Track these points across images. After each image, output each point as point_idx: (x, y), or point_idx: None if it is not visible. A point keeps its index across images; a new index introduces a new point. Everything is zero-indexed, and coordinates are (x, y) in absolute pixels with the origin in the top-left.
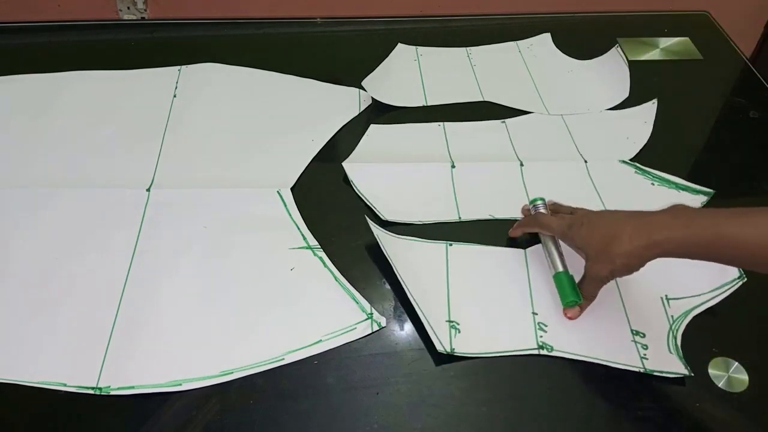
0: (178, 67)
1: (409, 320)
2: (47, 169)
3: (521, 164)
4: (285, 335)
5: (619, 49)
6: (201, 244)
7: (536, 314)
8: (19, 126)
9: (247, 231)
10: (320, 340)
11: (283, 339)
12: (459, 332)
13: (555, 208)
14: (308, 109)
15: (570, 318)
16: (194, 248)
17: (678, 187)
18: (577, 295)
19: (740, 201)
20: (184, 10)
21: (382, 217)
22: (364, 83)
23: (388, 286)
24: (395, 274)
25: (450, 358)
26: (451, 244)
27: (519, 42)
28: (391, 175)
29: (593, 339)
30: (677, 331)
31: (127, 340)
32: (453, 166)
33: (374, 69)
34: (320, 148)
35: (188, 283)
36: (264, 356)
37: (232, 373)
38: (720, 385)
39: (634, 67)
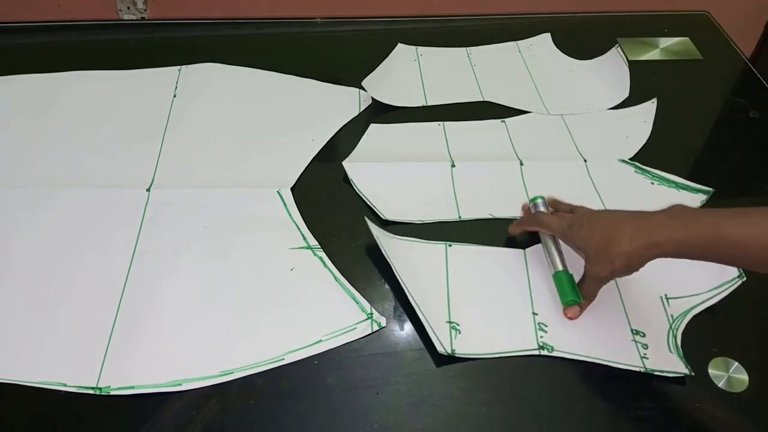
0: (178, 67)
1: (409, 320)
2: (47, 169)
3: (521, 164)
4: (285, 335)
5: (619, 49)
6: (201, 244)
7: (536, 314)
8: (19, 126)
9: (247, 231)
10: (320, 340)
11: (283, 339)
12: (459, 333)
13: (554, 205)
14: (308, 109)
15: (570, 318)
16: (194, 248)
17: (678, 186)
18: (576, 294)
19: (740, 201)
20: (184, 10)
21: (382, 216)
22: (364, 83)
23: (388, 286)
24: (395, 275)
25: (450, 358)
26: (450, 245)
27: (519, 42)
28: (391, 174)
29: (593, 339)
30: (677, 330)
31: (127, 340)
32: (453, 166)
33: (374, 69)
34: (320, 148)
35: (188, 283)
36: (264, 356)
37: (232, 373)
38: (720, 385)
39: (634, 67)
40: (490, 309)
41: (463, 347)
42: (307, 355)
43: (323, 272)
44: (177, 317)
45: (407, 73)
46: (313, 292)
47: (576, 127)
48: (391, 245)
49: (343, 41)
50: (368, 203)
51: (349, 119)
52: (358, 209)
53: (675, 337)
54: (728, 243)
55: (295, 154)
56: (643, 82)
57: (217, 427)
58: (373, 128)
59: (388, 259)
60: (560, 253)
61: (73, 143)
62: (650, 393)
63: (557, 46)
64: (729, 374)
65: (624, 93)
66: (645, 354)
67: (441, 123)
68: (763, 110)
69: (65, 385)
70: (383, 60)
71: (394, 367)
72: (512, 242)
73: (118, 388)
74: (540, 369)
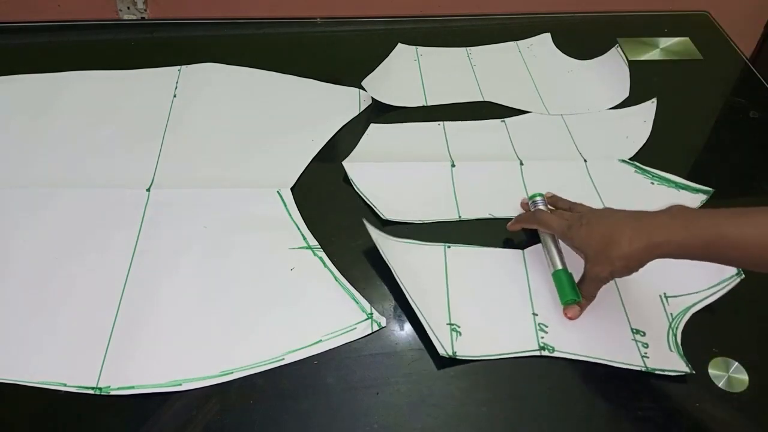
0: (178, 67)
1: (408, 320)
2: (47, 169)
3: (521, 163)
4: (285, 335)
5: (619, 49)
6: (201, 244)
7: (536, 315)
8: (19, 126)
9: (247, 231)
10: (320, 340)
11: (283, 339)
12: (460, 335)
13: (554, 202)
14: (308, 109)
15: (570, 318)
16: (194, 248)
17: (677, 186)
18: (576, 293)
19: (740, 201)
20: (184, 10)
21: (382, 216)
22: (364, 83)
23: (388, 286)
24: (395, 277)
25: (450, 359)
26: (449, 246)
27: (519, 42)
28: (391, 174)
29: (594, 339)
30: (677, 328)
31: (127, 340)
32: (453, 166)
33: (374, 69)
34: (320, 148)
35: (188, 283)
36: (264, 356)
37: (232, 373)
38: (720, 385)
39: (634, 67)
40: (490, 310)
41: (464, 349)
42: (307, 355)
43: (323, 272)
44: (177, 317)
45: (407, 73)
46: (313, 292)
47: (576, 127)
48: (389, 248)
49: (343, 41)
50: (368, 203)
51: (349, 119)
52: (358, 209)
53: (675, 335)
54: (728, 243)
55: (295, 154)
56: (643, 82)
57: (217, 427)
58: (373, 128)
59: (387, 262)
60: (560, 252)
61: (73, 143)
62: (650, 393)
63: (557, 46)
64: (729, 374)
65: (624, 93)
66: (645, 353)
67: (441, 123)
68: (763, 110)
69: (65, 385)
70: (383, 60)
71: (394, 367)
72: (511, 242)
73: (118, 388)
74: (540, 369)
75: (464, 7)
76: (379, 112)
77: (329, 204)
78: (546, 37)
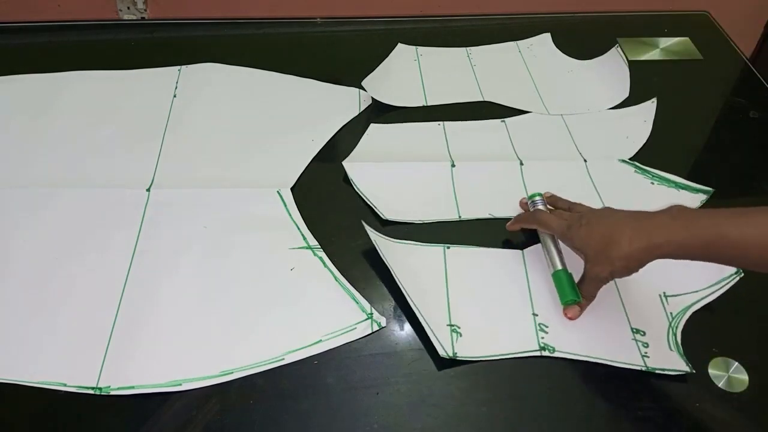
0: (178, 67)
1: (408, 320)
2: (47, 169)
3: (521, 163)
4: (285, 335)
5: (619, 49)
6: (201, 244)
7: (536, 315)
8: (19, 126)
9: (247, 231)
10: (320, 340)
11: (283, 339)
12: (460, 336)
13: (553, 202)
14: (308, 109)
15: (570, 318)
16: (194, 248)
17: (677, 186)
18: (576, 293)
19: (740, 201)
20: (184, 10)
21: (382, 216)
22: (364, 83)
23: (388, 287)
24: (394, 278)
25: (450, 359)
26: (448, 247)
27: (519, 42)
28: (391, 174)
29: (594, 339)
30: (677, 328)
31: (127, 340)
32: (453, 166)
33: (374, 69)
34: (320, 148)
35: (188, 283)
36: (264, 356)
37: (232, 373)
38: (720, 385)
39: (634, 67)
40: (490, 311)
41: (465, 350)
42: (307, 355)
43: (323, 272)
44: (177, 317)
45: (407, 73)
46: (313, 292)
47: (576, 127)
48: (389, 250)
49: (343, 41)
50: (368, 203)
51: (349, 119)
52: (358, 209)
53: (675, 335)
54: (728, 243)
55: (295, 154)
56: (643, 82)
57: (217, 427)
58: (373, 128)
59: (386, 263)
60: (559, 252)
61: (73, 143)
62: (650, 393)
63: (557, 46)
64: (729, 374)
65: (624, 93)
66: (646, 353)
67: (441, 123)
68: (763, 110)
69: (65, 385)
70: (383, 60)
71: (394, 367)
72: (511, 243)
73: (118, 388)
74: (540, 369)
75: (464, 7)
76: (379, 112)
77: (329, 204)
78: (546, 37)
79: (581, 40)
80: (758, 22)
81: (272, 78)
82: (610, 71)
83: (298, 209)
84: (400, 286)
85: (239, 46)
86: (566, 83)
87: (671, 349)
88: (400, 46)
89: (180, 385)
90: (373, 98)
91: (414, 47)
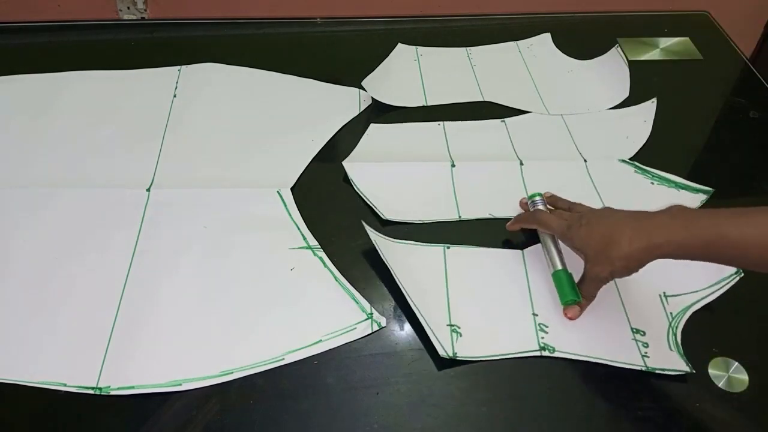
0: (178, 67)
1: (408, 320)
2: (47, 169)
3: (521, 163)
4: (285, 335)
5: (619, 49)
6: (201, 244)
7: (536, 315)
8: (19, 126)
9: (247, 231)
10: (320, 340)
11: (283, 339)
12: (461, 336)
13: (553, 201)
14: (308, 109)
15: (570, 318)
16: (194, 248)
17: (677, 186)
18: (576, 293)
19: (740, 201)
20: (184, 10)
21: (382, 216)
22: (364, 83)
23: (388, 287)
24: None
25: (450, 359)
26: (448, 247)
27: (519, 42)
28: (391, 174)
29: (594, 339)
30: (677, 328)
31: (127, 340)
32: (453, 166)
33: (374, 69)
34: (320, 148)
35: (188, 283)
36: (264, 356)
37: (232, 373)
38: (720, 385)
39: (634, 67)
40: (490, 311)
41: (465, 350)
42: (307, 355)
43: (323, 272)
44: (177, 317)
45: (407, 73)
46: (313, 292)
47: (576, 127)
48: (389, 250)
49: (343, 41)
50: (368, 203)
51: (349, 119)
52: (358, 209)
53: (675, 334)
54: (728, 243)
55: (295, 154)
56: (643, 82)
57: (217, 427)
58: (373, 128)
59: (386, 263)
60: (559, 252)
61: (73, 143)
62: (650, 393)
63: (557, 46)
64: (729, 374)
65: (624, 93)
66: (646, 353)
67: (441, 123)
68: (763, 110)
69: (65, 385)
70: (383, 60)
71: (394, 367)
72: (511, 243)
73: (118, 388)
74: (540, 369)
75: (464, 7)
76: (379, 112)
77: (329, 204)
78: (546, 37)
79: (581, 40)
80: (758, 22)
81: (272, 78)
82: (610, 71)
83: (298, 209)
84: (400, 286)
85: (239, 46)
86: (566, 83)
87: (671, 349)
88: (400, 46)
89: (180, 385)
90: (373, 98)
91: (414, 47)
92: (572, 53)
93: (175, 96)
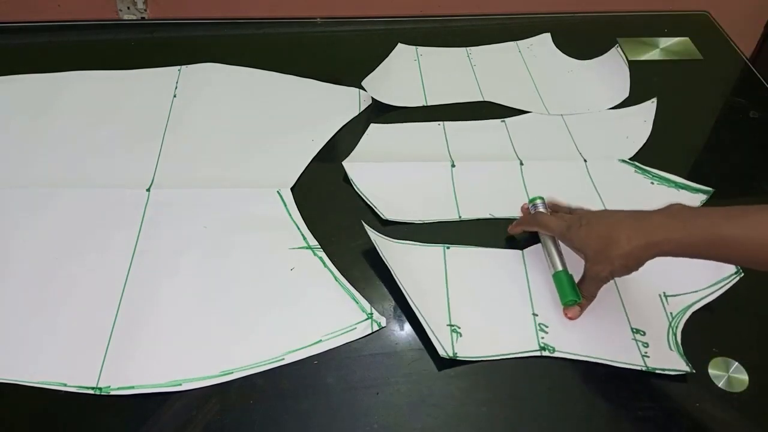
0: (178, 67)
1: (408, 320)
2: (47, 169)
3: (521, 163)
4: (285, 335)
5: (619, 49)
6: (201, 244)
7: (536, 315)
8: (19, 126)
9: (247, 231)
10: (320, 340)
11: (283, 339)
12: (461, 336)
13: (554, 207)
14: (308, 109)
15: (570, 318)
16: (194, 248)
17: (677, 185)
18: (576, 294)
19: (740, 201)
20: (184, 10)
21: (382, 216)
22: (364, 83)
23: (388, 287)
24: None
25: (450, 359)
26: (448, 247)
27: (519, 42)
28: (391, 174)
29: (594, 339)
30: (677, 328)
31: (127, 340)
32: (453, 166)
33: (374, 69)
34: (320, 148)
35: (188, 283)
36: (264, 356)
37: (232, 373)
38: (720, 385)
39: (634, 67)
40: (490, 311)
41: (465, 350)
42: (307, 355)
43: (323, 272)
44: (177, 317)
45: (407, 73)
46: (313, 292)
47: (576, 127)
48: (389, 250)
49: (343, 41)
50: (368, 203)
51: (349, 119)
52: (358, 209)
53: (675, 334)
54: (727, 242)
55: (295, 154)
56: (643, 82)
57: (217, 427)
58: (373, 128)
59: (386, 263)
60: (560, 254)
61: (73, 143)
62: (650, 393)
63: (557, 46)
64: (729, 374)
65: (624, 93)
66: (646, 353)
67: (441, 123)
68: (763, 110)
69: (65, 385)
70: (383, 60)
71: (394, 367)
72: (511, 243)
73: (118, 388)
74: (540, 369)
75: (464, 7)
76: (379, 112)
77: (329, 204)
78: (546, 37)
79: (581, 40)
80: (758, 22)
81: (272, 78)
82: (610, 71)
83: (298, 209)
84: (400, 286)
85: (239, 46)
86: (566, 83)
87: (671, 349)
88: (400, 46)
89: (180, 385)
90: (373, 98)
91: (414, 47)
92: (572, 53)
93: (175, 96)
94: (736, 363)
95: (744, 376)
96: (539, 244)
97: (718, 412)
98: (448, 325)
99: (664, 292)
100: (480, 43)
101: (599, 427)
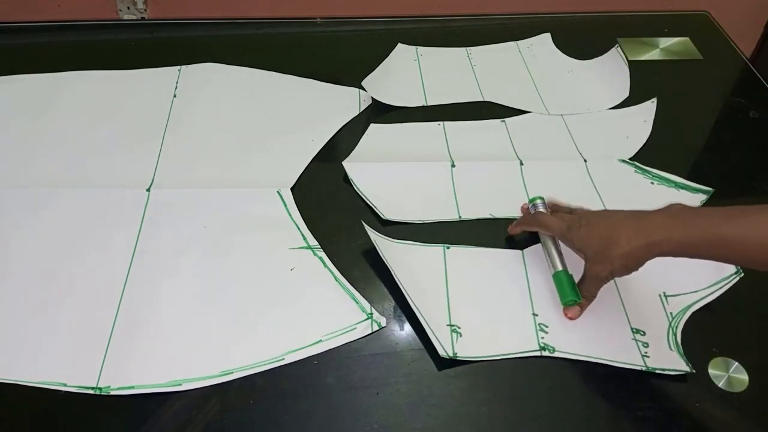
0: (178, 67)
1: (408, 320)
2: (47, 169)
3: (521, 163)
4: (285, 335)
5: (619, 49)
6: (201, 244)
7: (536, 315)
8: (19, 126)
9: (247, 231)
10: (320, 340)
11: (283, 339)
12: (461, 336)
13: (554, 207)
14: (308, 109)
15: (570, 318)
16: (194, 248)
17: (677, 185)
18: (576, 294)
19: (740, 201)
20: (184, 10)
21: (382, 216)
22: (364, 83)
23: (388, 287)
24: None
25: (450, 358)
26: (448, 247)
27: (519, 42)
28: (391, 174)
29: (594, 339)
30: (677, 328)
31: (127, 340)
32: (453, 166)
33: (374, 69)
34: (320, 148)
35: (188, 283)
36: (264, 356)
37: (232, 373)
38: (720, 385)
39: (634, 67)
40: (490, 311)
41: (465, 350)
42: (307, 355)
43: (323, 272)
44: (177, 317)
45: (407, 73)
46: (313, 292)
47: (576, 127)
48: (389, 250)
49: (343, 41)
50: (368, 203)
51: (349, 119)
52: (358, 209)
53: (675, 334)
54: (727, 242)
55: (295, 154)
56: (643, 82)
57: (217, 427)
58: (373, 128)
59: (386, 263)
60: (560, 254)
61: (73, 143)
62: (650, 393)
63: (557, 46)
64: (729, 374)
65: (624, 93)
66: (646, 353)
67: (441, 123)
68: (763, 110)
69: (65, 385)
70: (383, 60)
71: (394, 367)
72: (511, 243)
73: (118, 388)
74: (540, 369)
75: (464, 7)
76: (379, 112)
77: (329, 204)
78: (546, 37)
79: (581, 40)
80: (758, 22)
81: (272, 78)
82: (610, 71)
83: (298, 209)
84: (400, 286)
85: (239, 46)
86: (566, 83)
87: (671, 349)
88: (400, 46)
89: (180, 385)
90: (373, 98)
91: (414, 47)
92: (572, 53)
93: (175, 96)
94: (736, 363)
95: (744, 376)
96: (539, 244)
97: (718, 412)
98: (448, 325)
99: (664, 292)
100: (480, 43)
101: (599, 427)
